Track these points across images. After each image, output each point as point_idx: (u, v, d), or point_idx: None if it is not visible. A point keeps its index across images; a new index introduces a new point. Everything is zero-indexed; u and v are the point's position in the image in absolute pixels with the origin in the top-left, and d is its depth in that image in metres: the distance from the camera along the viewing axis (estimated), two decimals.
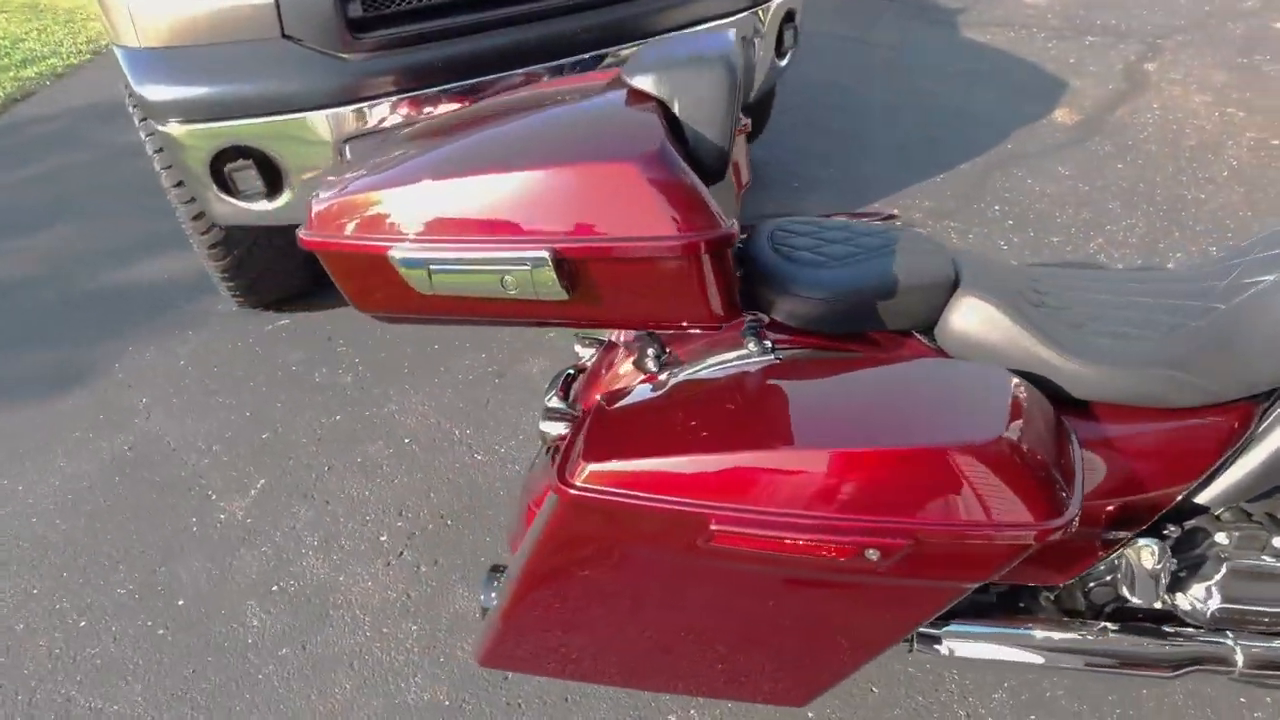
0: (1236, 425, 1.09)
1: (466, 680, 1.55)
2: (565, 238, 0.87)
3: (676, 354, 1.17)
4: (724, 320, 0.94)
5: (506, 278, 0.89)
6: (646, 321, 0.95)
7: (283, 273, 2.55)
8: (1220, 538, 1.17)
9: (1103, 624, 1.22)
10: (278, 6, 1.89)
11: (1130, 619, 1.23)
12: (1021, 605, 1.30)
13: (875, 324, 1.12)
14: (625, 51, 2.21)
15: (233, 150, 1.99)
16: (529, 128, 0.97)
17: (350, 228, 0.95)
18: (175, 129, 1.98)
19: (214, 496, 2.01)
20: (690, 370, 1.14)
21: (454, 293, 0.92)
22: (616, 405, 1.06)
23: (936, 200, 2.95)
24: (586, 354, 1.45)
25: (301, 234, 0.99)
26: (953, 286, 1.10)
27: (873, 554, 0.89)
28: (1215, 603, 1.17)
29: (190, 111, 1.96)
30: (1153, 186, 2.90)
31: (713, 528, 0.92)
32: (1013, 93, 3.66)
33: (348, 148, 1.96)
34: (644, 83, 0.96)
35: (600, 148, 0.88)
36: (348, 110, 1.95)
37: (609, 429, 1.01)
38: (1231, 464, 1.11)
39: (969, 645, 1.23)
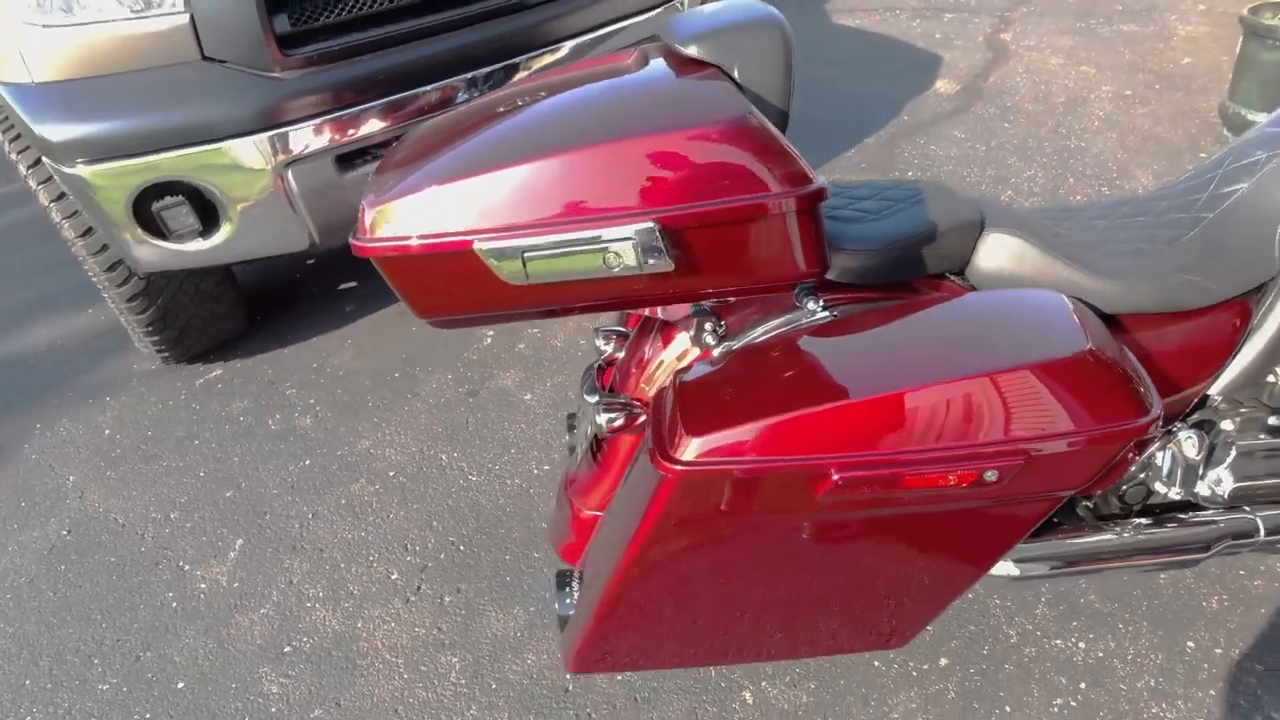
0: (1239, 321, 1.21)
1: (526, 700, 1.49)
2: (669, 206, 0.85)
3: (729, 326, 1.18)
4: (817, 274, 0.95)
5: (610, 255, 0.86)
6: (745, 284, 0.94)
7: (213, 318, 2.36)
8: (1225, 425, 1.30)
9: (1135, 522, 1.33)
10: (195, 28, 1.75)
11: (1158, 513, 1.35)
12: (1056, 520, 1.39)
13: (918, 269, 1.17)
14: (546, 58, 2.18)
15: (159, 187, 1.82)
16: (599, 103, 0.94)
17: (420, 227, 0.89)
18: (84, 170, 1.80)
19: (187, 566, 1.82)
20: (751, 338, 1.14)
21: (551, 279, 0.88)
22: (695, 379, 1.05)
23: (854, 172, 3.10)
24: (608, 347, 1.42)
25: (355, 242, 0.92)
26: (980, 227, 1.17)
27: (991, 475, 0.93)
28: (1230, 483, 1.30)
29: (102, 149, 1.78)
30: (1040, 140, 3.17)
31: (835, 478, 0.93)
32: (896, 71, 3.90)
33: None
34: (702, 51, 0.96)
35: (689, 114, 0.87)
36: (287, 131, 1.83)
37: (700, 402, 1.00)
38: (1237, 356, 1.23)
39: (1019, 565, 1.30)
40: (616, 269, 0.87)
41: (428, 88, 1.98)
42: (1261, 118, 2.80)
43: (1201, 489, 1.31)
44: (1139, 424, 0.93)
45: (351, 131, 1.90)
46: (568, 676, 1.52)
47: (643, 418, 1.18)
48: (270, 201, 1.89)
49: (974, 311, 1.05)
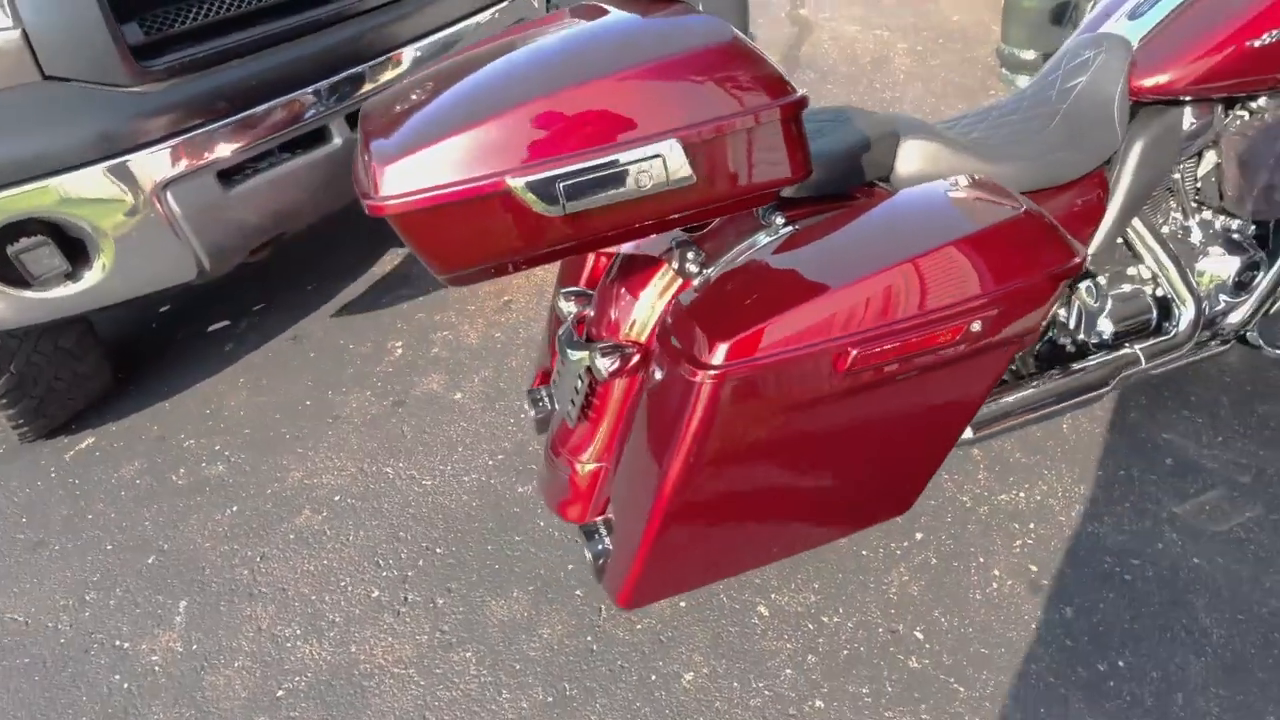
0: (1101, 191, 1.47)
1: (554, 670, 1.48)
2: (685, 125, 0.91)
3: (707, 254, 1.25)
4: (804, 176, 1.05)
5: (641, 176, 0.90)
6: (750, 191, 1.02)
7: (77, 379, 2.10)
8: (1101, 280, 1.56)
9: (1048, 373, 1.56)
10: (29, 44, 1.56)
11: (1062, 363, 1.59)
12: None
13: (857, 178, 1.31)
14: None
15: (11, 228, 1.61)
16: (602, 40, 0.98)
17: (445, 175, 0.88)
18: None
19: (127, 644, 1.62)
20: (731, 258, 1.23)
21: (586, 207, 0.91)
22: (698, 298, 1.12)
23: None
24: (574, 307, 1.45)
25: (372, 202, 0.90)
26: (897, 137, 1.33)
27: (976, 325, 1.08)
28: (1112, 325, 1.56)
29: None
30: (862, 97, 3.53)
31: (853, 353, 1.04)
32: None
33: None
34: None
35: (686, 41, 0.94)
36: (160, 149, 1.68)
37: (713, 314, 1.07)
38: (1103, 219, 1.49)
39: (972, 428, 1.48)
40: (648, 186, 0.92)
41: (305, 90, 1.88)
42: (1031, 54, 3.30)
43: (1092, 336, 1.57)
44: (1075, 262, 1.12)
45: (233, 144, 1.77)
46: (589, 639, 1.53)
47: (636, 358, 1.23)
48: (149, 229, 1.72)
49: (920, 199, 1.20)
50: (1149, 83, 1.41)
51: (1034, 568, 1.57)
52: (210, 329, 2.56)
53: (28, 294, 1.68)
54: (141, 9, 1.66)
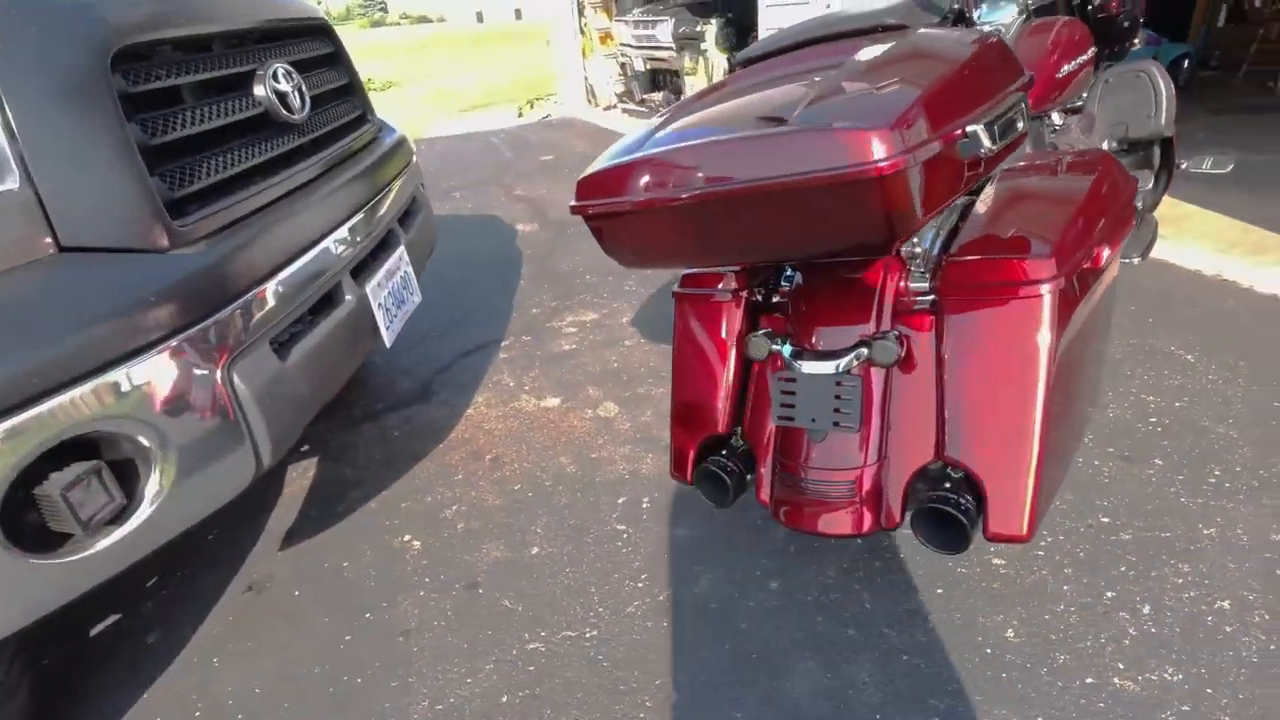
0: None
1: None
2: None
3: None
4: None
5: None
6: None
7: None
8: None
9: None
10: (44, 211, 1.17)
11: None
12: None
13: None
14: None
15: (44, 459, 1.10)
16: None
17: (917, 137, 1.04)
18: None
19: None
20: (947, 217, 1.52)
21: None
22: (978, 244, 1.37)
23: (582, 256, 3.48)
24: (766, 343, 1.53)
25: (880, 164, 1.00)
26: None
27: None
28: None
29: None
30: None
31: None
32: (496, 228, 4.44)
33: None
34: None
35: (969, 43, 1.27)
36: (222, 318, 1.32)
37: (1014, 242, 1.33)
38: None
39: None
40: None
41: (324, 244, 1.65)
42: None
43: None
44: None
45: (278, 307, 1.46)
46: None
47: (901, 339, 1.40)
48: (213, 423, 1.30)
49: None
50: None
51: None
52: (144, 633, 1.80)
53: (59, 559, 1.11)
54: (160, 161, 1.34)
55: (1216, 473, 1.83)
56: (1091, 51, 2.31)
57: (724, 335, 1.68)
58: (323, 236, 1.65)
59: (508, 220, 4.67)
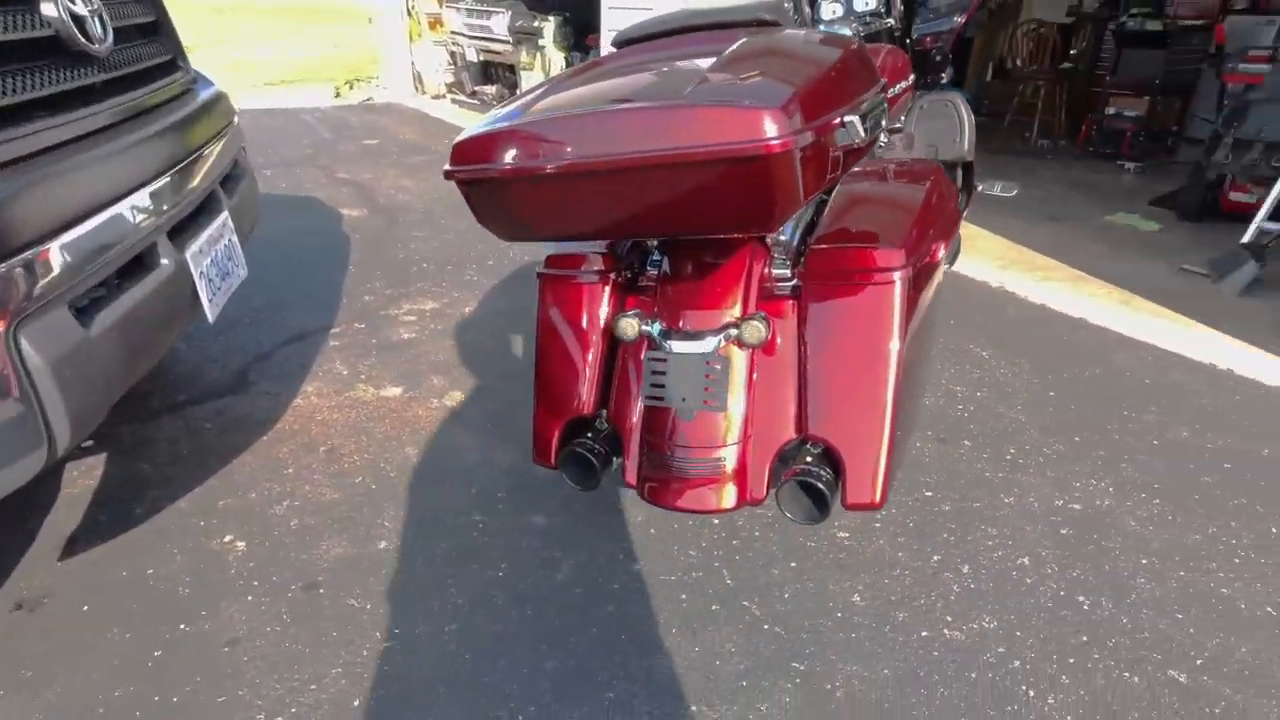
0: None
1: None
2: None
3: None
4: None
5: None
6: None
7: None
8: None
9: None
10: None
11: None
12: None
13: None
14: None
15: None
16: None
17: (803, 121, 1.08)
18: None
19: None
20: (805, 211, 1.60)
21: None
22: (836, 235, 1.47)
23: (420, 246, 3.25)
24: (636, 324, 1.54)
25: (772, 142, 1.03)
26: None
27: None
28: None
29: None
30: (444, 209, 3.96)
31: None
32: (320, 212, 4.06)
33: None
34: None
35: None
36: (4, 269, 1.09)
37: (867, 236, 1.44)
38: None
39: None
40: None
41: (131, 200, 1.41)
42: None
43: None
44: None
45: (77, 265, 1.23)
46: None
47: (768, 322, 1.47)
48: None
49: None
50: None
51: None
52: None
53: None
54: None
55: (1011, 451, 2.10)
56: (912, 78, 2.56)
57: (590, 317, 1.66)
58: (130, 191, 1.42)
59: (330, 203, 4.33)
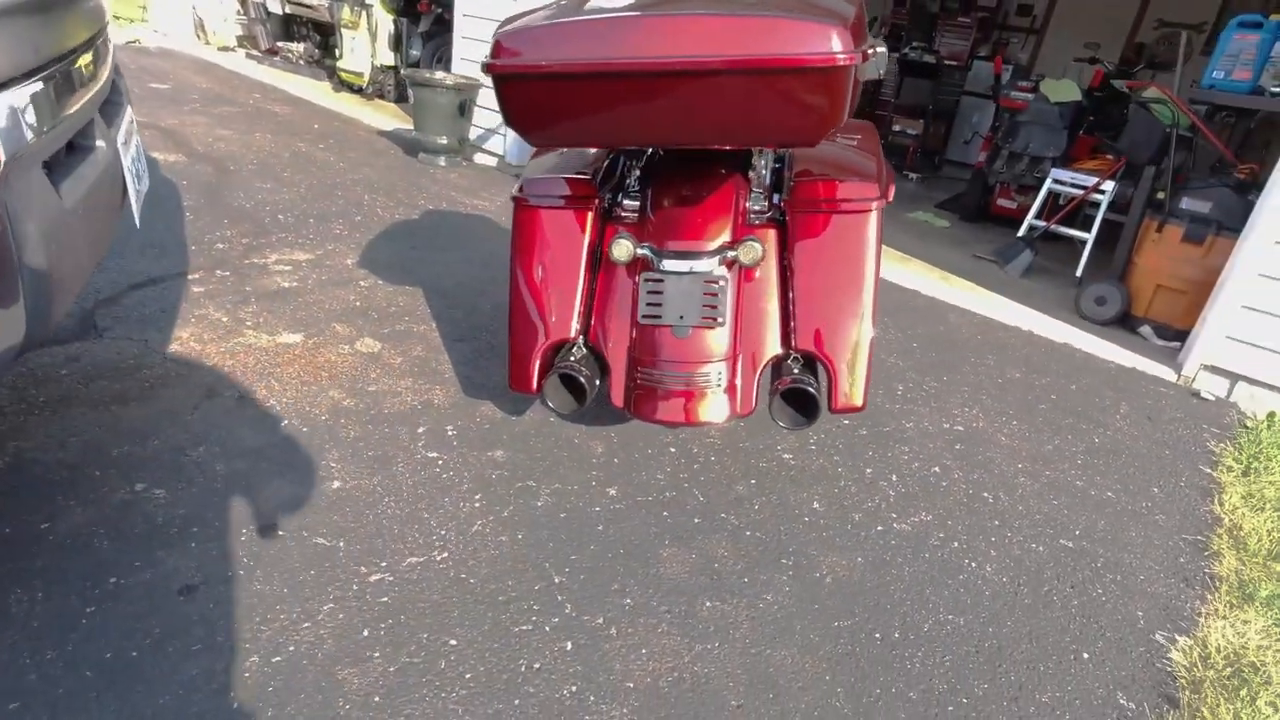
0: None
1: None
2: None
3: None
4: None
5: None
6: None
7: None
8: None
9: None
10: None
11: None
12: None
13: None
14: None
15: None
16: None
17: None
18: None
19: None
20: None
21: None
22: (822, 172, 1.61)
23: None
24: (631, 246, 1.58)
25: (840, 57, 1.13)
26: None
27: None
28: None
29: None
30: (295, 163, 3.62)
31: None
32: None
33: None
34: None
35: None
36: None
37: (843, 175, 1.60)
38: None
39: None
40: None
41: (74, 63, 1.18)
42: (444, 139, 4.10)
43: None
44: None
45: (44, 119, 1.02)
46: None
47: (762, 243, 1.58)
48: None
49: None
50: None
51: None
52: None
53: None
54: None
55: (900, 388, 2.41)
56: None
57: (571, 243, 1.66)
58: (67, 55, 1.19)
59: None
